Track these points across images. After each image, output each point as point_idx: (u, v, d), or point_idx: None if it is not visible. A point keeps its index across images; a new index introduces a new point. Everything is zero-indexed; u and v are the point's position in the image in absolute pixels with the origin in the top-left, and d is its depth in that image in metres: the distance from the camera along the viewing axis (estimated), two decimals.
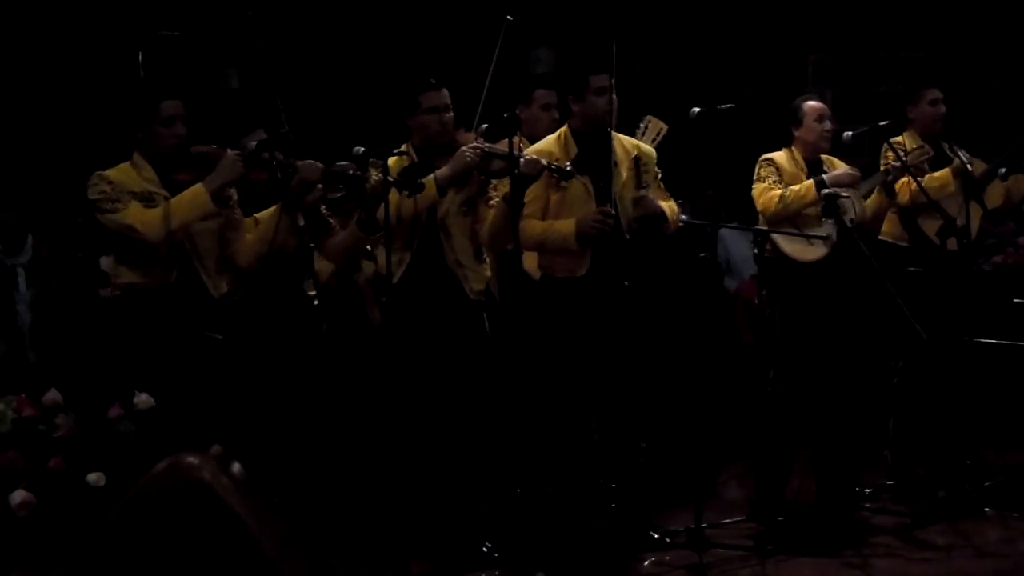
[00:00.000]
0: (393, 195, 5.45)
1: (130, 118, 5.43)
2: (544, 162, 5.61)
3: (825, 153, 6.59)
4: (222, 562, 2.39)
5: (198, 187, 5.27)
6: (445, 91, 5.77)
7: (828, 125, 6.52)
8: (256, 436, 5.26)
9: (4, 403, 5.18)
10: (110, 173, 5.36)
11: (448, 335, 5.73)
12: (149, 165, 5.39)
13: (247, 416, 5.31)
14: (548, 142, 5.90)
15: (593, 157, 5.78)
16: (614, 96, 5.78)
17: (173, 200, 5.27)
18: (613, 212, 5.69)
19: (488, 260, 5.90)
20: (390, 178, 5.40)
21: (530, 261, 5.97)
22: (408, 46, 8.54)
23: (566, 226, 5.73)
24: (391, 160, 5.55)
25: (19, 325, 7.15)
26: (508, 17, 6.02)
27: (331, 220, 5.68)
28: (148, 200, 5.31)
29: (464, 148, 5.63)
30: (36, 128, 8.03)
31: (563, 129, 5.94)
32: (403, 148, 5.75)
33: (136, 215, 5.26)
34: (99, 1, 8.20)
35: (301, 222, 5.35)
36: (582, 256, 5.78)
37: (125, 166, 5.40)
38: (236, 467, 2.53)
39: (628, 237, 5.82)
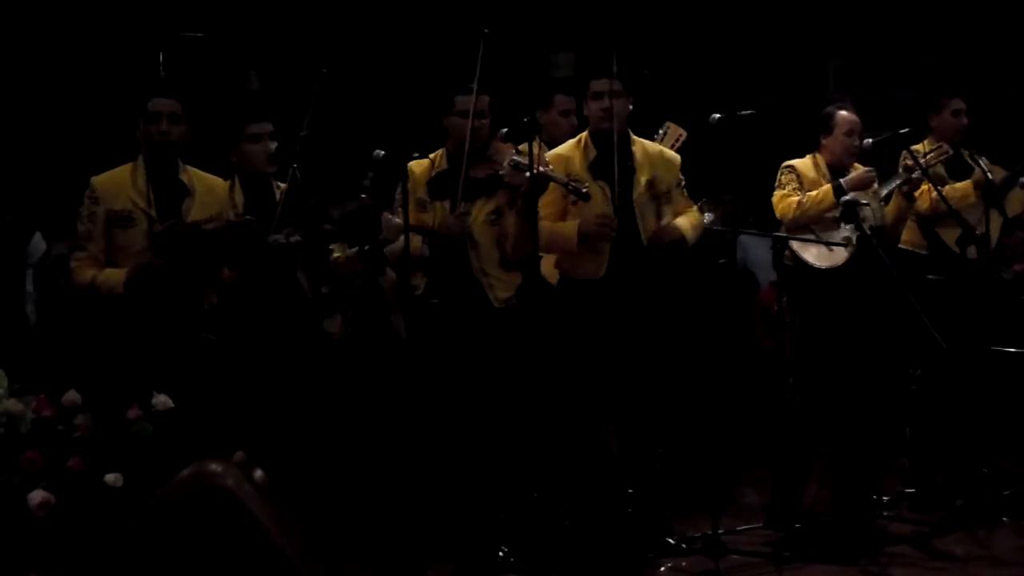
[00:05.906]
0: (438, 209, 5.63)
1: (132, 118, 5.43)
2: (563, 178, 5.61)
3: (850, 166, 6.54)
4: (244, 567, 2.40)
5: (119, 279, 5.26)
6: (485, 97, 5.73)
7: (857, 141, 6.44)
8: (273, 441, 5.26)
9: (24, 403, 5.19)
10: (99, 180, 5.35)
11: (471, 343, 5.72)
12: (144, 170, 5.35)
13: (264, 421, 5.31)
14: (568, 147, 5.91)
15: (611, 161, 5.78)
16: (618, 101, 5.77)
17: (104, 273, 5.30)
18: (614, 217, 5.70)
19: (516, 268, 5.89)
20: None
21: (548, 266, 5.97)
22: (437, 46, 8.54)
23: (569, 228, 5.77)
24: (414, 164, 5.55)
25: (28, 325, 7.15)
26: (485, 30, 5.94)
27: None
28: (126, 220, 5.29)
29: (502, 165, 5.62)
30: (47, 126, 8.05)
31: (583, 134, 5.95)
32: (438, 152, 5.76)
33: (81, 270, 5.35)
34: (121, 1, 8.21)
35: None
36: (599, 258, 5.78)
37: (124, 169, 5.39)
38: (259, 473, 2.56)
39: (645, 243, 5.83)
